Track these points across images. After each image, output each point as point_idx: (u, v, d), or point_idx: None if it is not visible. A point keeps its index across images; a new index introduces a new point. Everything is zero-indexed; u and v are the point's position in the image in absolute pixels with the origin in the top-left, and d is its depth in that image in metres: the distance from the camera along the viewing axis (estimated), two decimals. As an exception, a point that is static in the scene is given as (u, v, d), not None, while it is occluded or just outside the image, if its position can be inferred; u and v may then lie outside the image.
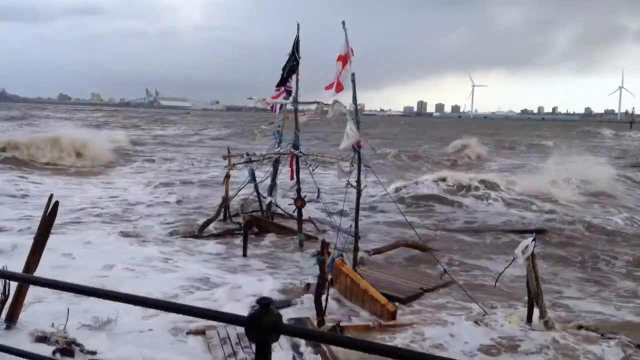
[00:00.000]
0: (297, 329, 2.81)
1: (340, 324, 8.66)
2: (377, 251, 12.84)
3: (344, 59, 10.56)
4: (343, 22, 10.64)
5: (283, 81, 14.07)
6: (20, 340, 6.96)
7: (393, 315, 8.88)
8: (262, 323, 2.32)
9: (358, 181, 10.80)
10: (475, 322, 8.71)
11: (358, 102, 10.93)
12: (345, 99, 11.04)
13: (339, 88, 10.61)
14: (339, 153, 11.90)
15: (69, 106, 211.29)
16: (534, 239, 8.62)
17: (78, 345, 6.92)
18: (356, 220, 11.07)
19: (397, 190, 21.73)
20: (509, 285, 11.00)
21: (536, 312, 8.60)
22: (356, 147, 10.64)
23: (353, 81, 10.60)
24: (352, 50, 10.62)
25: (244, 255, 12.80)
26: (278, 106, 14.70)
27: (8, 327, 7.27)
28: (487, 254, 14.03)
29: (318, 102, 14.09)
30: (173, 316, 8.17)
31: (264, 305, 2.35)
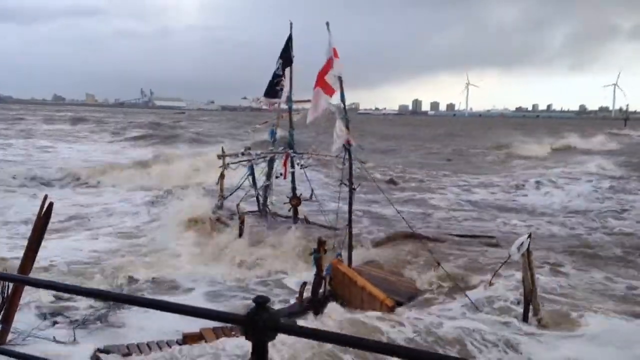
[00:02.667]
0: (295, 327, 2.80)
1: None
2: (377, 244, 12.90)
3: (328, 64, 10.50)
4: (327, 23, 10.56)
5: (274, 91, 14.04)
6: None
7: (391, 311, 8.90)
8: (260, 322, 2.31)
9: (350, 179, 10.81)
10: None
11: (352, 101, 10.98)
12: (334, 99, 11.06)
13: (331, 91, 10.60)
14: (333, 151, 11.87)
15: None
16: (529, 236, 8.62)
17: None
18: (349, 218, 11.05)
19: None
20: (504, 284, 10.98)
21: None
22: (347, 145, 10.64)
23: (340, 80, 10.56)
24: (335, 52, 10.51)
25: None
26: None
27: (4, 330, 7.24)
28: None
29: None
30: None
31: (261, 303, 2.35)
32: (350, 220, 11.06)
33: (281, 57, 13.89)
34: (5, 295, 7.24)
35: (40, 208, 7.48)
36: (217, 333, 7.46)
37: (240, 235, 13.93)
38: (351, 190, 10.84)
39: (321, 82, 10.55)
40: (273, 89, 14.00)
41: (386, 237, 13.92)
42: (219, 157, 16.47)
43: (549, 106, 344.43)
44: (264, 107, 15.66)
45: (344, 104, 10.82)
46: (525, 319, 8.57)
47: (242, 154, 15.50)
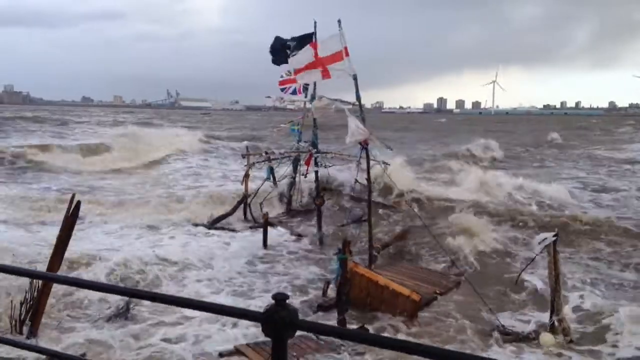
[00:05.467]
0: (314, 325, 2.80)
1: (365, 326, 8.50)
2: (385, 244, 12.72)
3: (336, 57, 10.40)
4: (339, 21, 10.49)
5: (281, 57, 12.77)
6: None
7: (418, 305, 8.83)
8: (278, 318, 2.32)
9: (368, 178, 10.77)
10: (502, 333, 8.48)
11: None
12: (350, 97, 11.07)
13: (326, 74, 10.48)
14: (354, 151, 11.76)
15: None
16: (555, 235, 8.45)
17: None
18: (369, 217, 11.01)
19: None
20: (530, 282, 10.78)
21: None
22: (364, 145, 10.60)
23: (355, 79, 10.52)
24: (346, 50, 10.42)
25: (265, 247, 13.07)
26: (301, 87, 13.39)
27: (33, 326, 7.40)
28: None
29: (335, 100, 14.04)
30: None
31: (280, 300, 2.36)
32: (369, 219, 11.01)
33: (298, 41, 13.02)
34: (34, 292, 7.41)
35: (67, 207, 7.63)
36: (257, 350, 7.32)
37: (264, 245, 12.97)
38: (370, 190, 10.80)
39: (325, 72, 10.46)
40: (281, 54, 12.61)
41: (396, 235, 13.69)
42: (243, 156, 16.62)
43: (577, 103, 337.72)
44: (289, 106, 15.71)
45: (359, 102, 10.82)
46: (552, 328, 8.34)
47: (266, 153, 15.58)
